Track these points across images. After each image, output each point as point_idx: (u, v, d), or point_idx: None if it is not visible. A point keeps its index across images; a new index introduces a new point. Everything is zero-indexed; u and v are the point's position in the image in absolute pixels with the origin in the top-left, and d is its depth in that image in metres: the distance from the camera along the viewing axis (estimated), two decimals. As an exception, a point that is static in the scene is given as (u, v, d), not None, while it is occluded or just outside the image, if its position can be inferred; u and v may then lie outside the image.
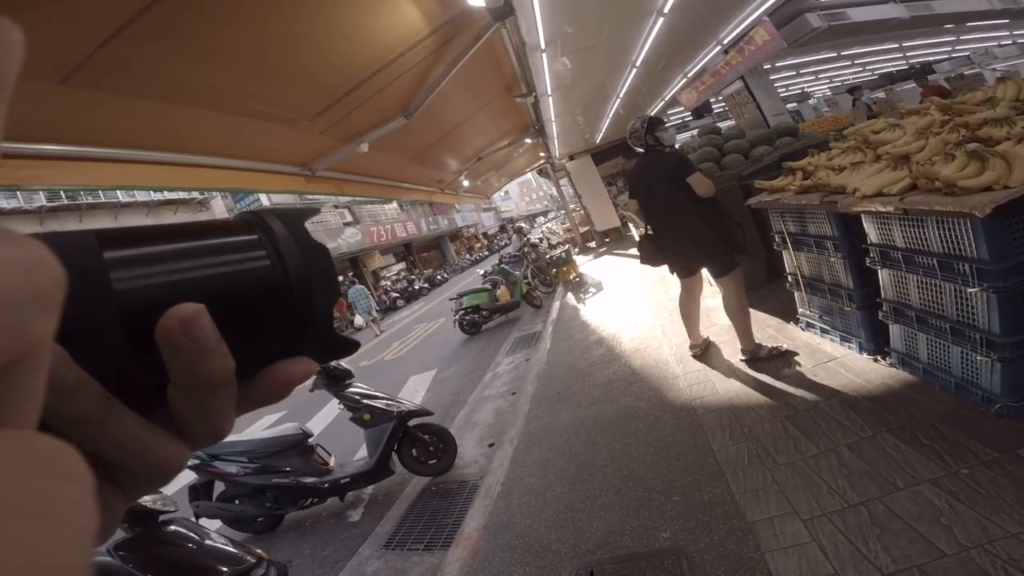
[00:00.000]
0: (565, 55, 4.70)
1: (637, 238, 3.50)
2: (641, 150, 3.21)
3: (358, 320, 14.09)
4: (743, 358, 3.12)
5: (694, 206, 3.00)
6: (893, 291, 2.32)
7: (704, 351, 3.48)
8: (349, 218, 23.05)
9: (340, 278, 19.31)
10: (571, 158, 12.77)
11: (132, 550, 2.18)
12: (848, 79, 19.20)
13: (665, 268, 3.54)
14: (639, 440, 2.73)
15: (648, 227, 3.28)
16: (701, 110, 12.80)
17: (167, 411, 0.20)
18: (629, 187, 3.44)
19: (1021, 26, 13.90)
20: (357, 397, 3.38)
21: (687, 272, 3.26)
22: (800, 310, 3.24)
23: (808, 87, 19.37)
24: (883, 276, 2.35)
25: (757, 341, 3.12)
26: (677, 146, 3.43)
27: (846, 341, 2.79)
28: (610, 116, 9.38)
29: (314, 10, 2.22)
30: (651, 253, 3.34)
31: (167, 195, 15.80)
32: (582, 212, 13.60)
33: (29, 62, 0.15)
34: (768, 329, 3.45)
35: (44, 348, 0.14)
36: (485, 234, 40.13)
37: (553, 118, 7.32)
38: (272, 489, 3.26)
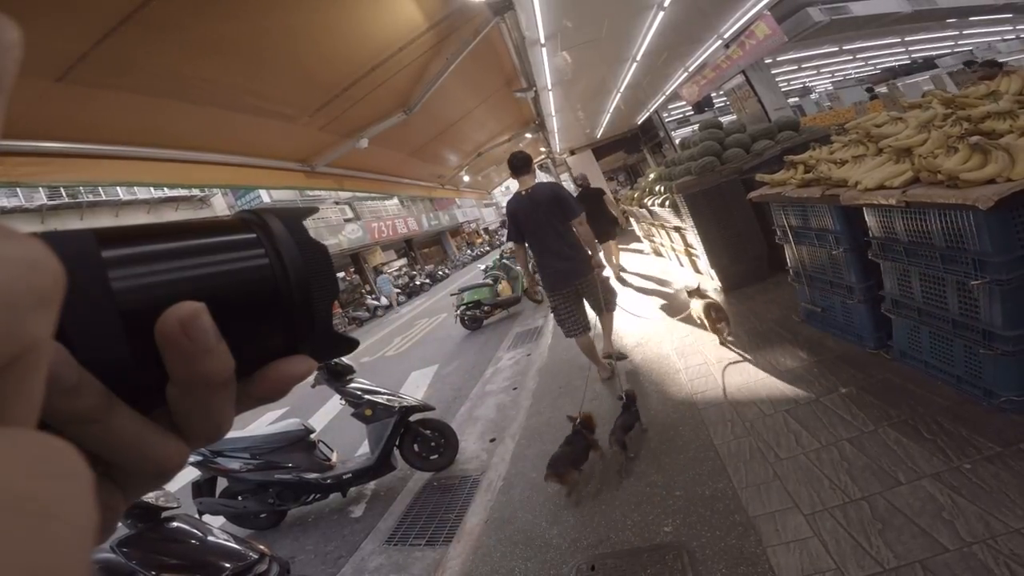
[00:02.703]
0: (565, 49, 4.68)
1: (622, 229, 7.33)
2: (581, 188, 6.71)
3: (384, 300, 17.76)
4: (615, 272, 6.67)
5: (607, 208, 6.56)
6: (895, 284, 2.31)
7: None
8: (350, 214, 23.03)
9: (341, 275, 19.37)
10: (572, 153, 12.76)
11: (136, 547, 2.19)
12: (850, 73, 19.14)
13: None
14: (641, 435, 2.73)
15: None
16: (702, 104, 12.77)
17: (167, 410, 0.20)
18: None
19: (1024, 19, 13.82)
20: (359, 393, 3.38)
21: (605, 239, 6.56)
22: (802, 304, 3.23)
23: (809, 82, 19.31)
24: (885, 269, 2.34)
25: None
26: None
27: (848, 335, 2.79)
28: (611, 111, 9.34)
29: (312, 5, 2.21)
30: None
31: (168, 193, 15.78)
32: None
33: (27, 59, 0.15)
34: (769, 322, 3.44)
35: (43, 346, 0.14)
36: (486, 229, 40.05)
37: (554, 113, 7.30)
38: (275, 485, 3.27)
